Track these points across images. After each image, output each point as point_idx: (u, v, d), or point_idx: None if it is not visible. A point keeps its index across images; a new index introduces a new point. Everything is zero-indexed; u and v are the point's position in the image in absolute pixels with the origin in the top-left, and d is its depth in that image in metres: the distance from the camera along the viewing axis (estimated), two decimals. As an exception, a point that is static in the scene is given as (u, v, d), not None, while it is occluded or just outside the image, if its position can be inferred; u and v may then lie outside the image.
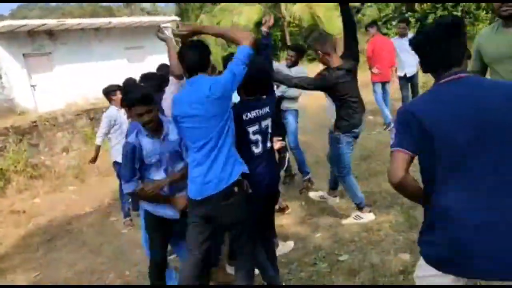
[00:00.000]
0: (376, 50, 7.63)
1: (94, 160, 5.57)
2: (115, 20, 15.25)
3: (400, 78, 7.83)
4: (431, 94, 1.93)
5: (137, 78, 4.49)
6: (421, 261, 1.93)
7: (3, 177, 8.45)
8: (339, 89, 3.86)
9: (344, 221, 4.28)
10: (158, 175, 3.04)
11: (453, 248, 1.77)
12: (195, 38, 2.92)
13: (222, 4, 20.15)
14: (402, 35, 7.65)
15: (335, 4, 19.15)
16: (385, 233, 3.85)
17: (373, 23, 8.33)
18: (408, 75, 7.71)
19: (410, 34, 7.63)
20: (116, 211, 6.25)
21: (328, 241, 3.96)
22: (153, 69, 5.37)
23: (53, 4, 52.66)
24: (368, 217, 4.21)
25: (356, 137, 4.10)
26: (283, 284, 3.36)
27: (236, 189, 2.70)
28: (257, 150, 2.94)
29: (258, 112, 2.93)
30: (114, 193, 7.22)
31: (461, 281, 1.81)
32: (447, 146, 1.77)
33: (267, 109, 2.99)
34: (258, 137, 2.94)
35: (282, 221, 4.58)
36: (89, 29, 14.32)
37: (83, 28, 14.12)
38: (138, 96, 2.84)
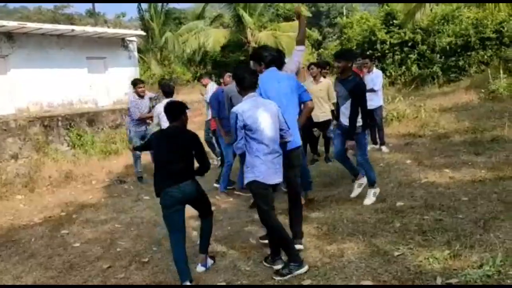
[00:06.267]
0: None
1: None
2: (78, 28, 14.87)
3: None
4: None
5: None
6: None
7: None
8: None
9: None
10: None
11: None
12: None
13: (189, 24, 20.25)
14: (368, 70, 7.88)
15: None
16: (348, 259, 3.87)
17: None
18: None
19: (375, 70, 7.93)
20: (68, 224, 5.97)
21: (291, 265, 3.93)
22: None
23: (11, 7, 50.83)
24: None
25: None
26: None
27: None
28: None
29: None
30: (67, 205, 6.93)
31: None
32: None
33: None
34: None
35: (245, 244, 4.54)
36: (50, 35, 13.88)
37: (44, 33, 13.68)
38: None
